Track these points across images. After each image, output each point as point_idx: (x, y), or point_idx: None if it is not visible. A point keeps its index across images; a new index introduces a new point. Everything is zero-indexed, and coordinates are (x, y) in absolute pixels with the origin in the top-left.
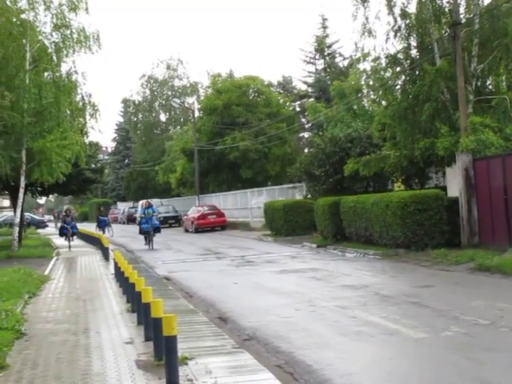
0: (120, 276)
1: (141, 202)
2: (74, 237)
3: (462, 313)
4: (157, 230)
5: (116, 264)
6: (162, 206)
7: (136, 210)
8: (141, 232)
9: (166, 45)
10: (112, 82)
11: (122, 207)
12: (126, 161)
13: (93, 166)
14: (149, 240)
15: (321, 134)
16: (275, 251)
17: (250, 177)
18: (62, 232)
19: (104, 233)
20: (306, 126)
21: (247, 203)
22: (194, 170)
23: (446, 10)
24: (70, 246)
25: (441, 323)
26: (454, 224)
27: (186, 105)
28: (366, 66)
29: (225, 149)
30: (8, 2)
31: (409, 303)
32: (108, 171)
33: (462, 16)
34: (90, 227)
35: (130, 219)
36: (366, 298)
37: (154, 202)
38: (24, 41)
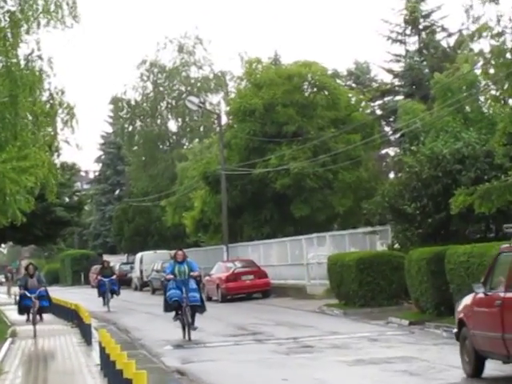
0: (109, 368)
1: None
2: (44, 315)
3: None
4: (197, 308)
5: (103, 349)
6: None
7: (131, 268)
8: (167, 307)
9: (177, 19)
10: (97, 74)
11: (111, 263)
12: (117, 192)
13: (67, 199)
14: (185, 324)
15: (415, 149)
16: (345, 331)
17: (305, 215)
18: (22, 306)
19: (108, 303)
20: (393, 139)
21: (302, 257)
22: (220, 205)
23: None
24: (35, 332)
25: None
26: None
27: (209, 106)
28: (483, 45)
29: (267, 173)
30: None
31: None
32: (90, 208)
33: None
34: (64, 292)
35: (123, 281)
36: None
37: (159, 255)
38: None
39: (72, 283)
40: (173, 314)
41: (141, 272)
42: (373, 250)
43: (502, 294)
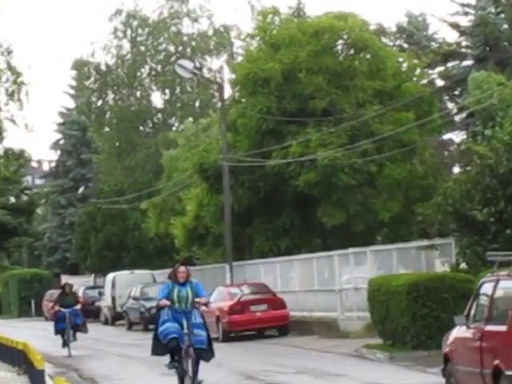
0: None
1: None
2: None
3: None
4: (203, 353)
5: None
6: (157, 285)
7: (100, 293)
8: (159, 348)
9: None
10: (55, 29)
11: (74, 287)
12: (81, 190)
13: (12, 199)
14: (186, 374)
15: (489, 134)
16: (392, 382)
17: (338, 224)
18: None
19: (69, 343)
20: (458, 119)
21: (333, 280)
22: (221, 209)
23: None
24: None
25: None
26: None
27: (206, 73)
28: None
29: (286, 166)
30: None
31: None
32: (43, 211)
33: None
34: (8, 327)
35: (89, 311)
36: None
37: (138, 276)
38: None
39: (19, 314)
40: (163, 359)
41: (113, 299)
42: (430, 271)
43: (482, 327)
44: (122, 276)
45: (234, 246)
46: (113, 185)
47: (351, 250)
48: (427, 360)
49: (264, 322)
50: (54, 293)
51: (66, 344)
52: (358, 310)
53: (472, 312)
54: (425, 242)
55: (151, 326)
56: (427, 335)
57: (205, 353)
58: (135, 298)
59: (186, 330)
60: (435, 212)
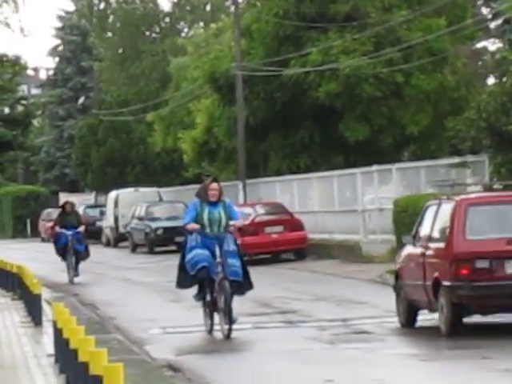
0: (68, 360)
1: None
2: None
3: None
4: (238, 286)
5: (58, 333)
6: (164, 204)
7: (102, 212)
8: (187, 279)
9: None
10: None
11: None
12: (81, 100)
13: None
14: (218, 310)
15: None
16: None
17: (362, 139)
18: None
19: (72, 270)
20: (493, 26)
21: (356, 200)
22: (234, 123)
23: None
24: None
25: None
26: None
27: None
28: None
29: (305, 75)
30: None
31: None
32: (40, 123)
33: None
34: (2, 248)
35: (89, 232)
36: None
37: (143, 194)
38: None
39: (13, 235)
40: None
41: (115, 219)
42: (462, 190)
43: (425, 245)
44: (125, 194)
45: (247, 163)
46: (116, 95)
47: (375, 167)
48: None
49: (280, 245)
50: (51, 212)
51: (70, 271)
52: (382, 233)
53: (418, 232)
54: (456, 160)
55: (157, 249)
56: None
57: (241, 286)
58: (140, 218)
59: (218, 259)
60: (467, 127)
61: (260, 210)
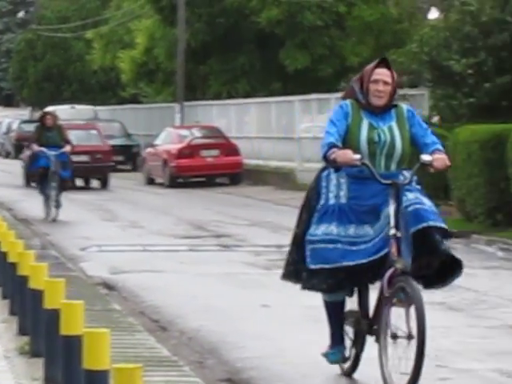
0: (5, 274)
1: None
2: None
3: None
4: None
5: None
6: (100, 124)
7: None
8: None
9: None
10: None
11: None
12: (20, 14)
13: None
14: None
15: None
16: None
17: (302, 67)
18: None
19: (53, 199)
20: None
21: (292, 128)
22: (174, 44)
23: None
24: None
25: None
26: None
27: None
28: None
29: (247, 1)
30: None
31: None
32: None
33: None
34: None
35: (23, 147)
36: None
37: (79, 111)
38: None
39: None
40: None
41: None
42: None
43: None
44: (61, 111)
45: (186, 85)
46: (56, 10)
47: (314, 95)
48: None
49: (215, 169)
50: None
51: (49, 207)
52: (317, 161)
53: None
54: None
55: None
56: None
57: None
58: None
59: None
60: (409, 60)
61: (196, 132)
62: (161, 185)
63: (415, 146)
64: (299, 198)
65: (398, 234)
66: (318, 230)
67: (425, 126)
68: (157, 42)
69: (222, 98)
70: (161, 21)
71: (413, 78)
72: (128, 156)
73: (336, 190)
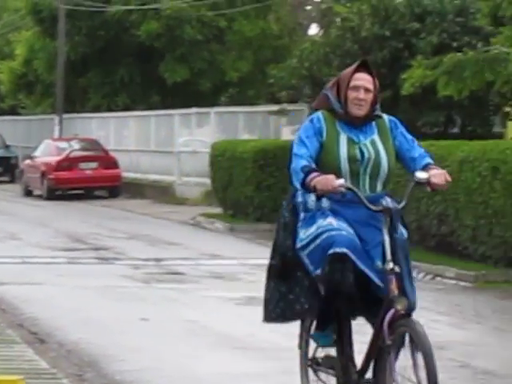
0: None
1: None
2: None
3: None
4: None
5: None
6: None
7: None
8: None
9: None
10: None
11: None
12: None
13: None
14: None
15: None
16: (231, 254)
17: (181, 81)
18: None
19: None
20: None
21: (172, 141)
22: (54, 57)
23: None
24: None
25: None
26: None
27: None
28: None
29: (128, 14)
30: None
31: None
32: None
33: None
34: None
35: None
36: (450, 373)
37: None
38: None
39: None
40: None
41: None
42: (279, 138)
43: None
44: None
45: (65, 98)
46: None
47: (194, 109)
48: (270, 235)
49: (93, 181)
50: None
51: None
52: (197, 176)
53: None
54: (276, 108)
55: None
56: (271, 207)
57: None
58: None
59: (390, 264)
60: (289, 75)
61: (75, 145)
62: (39, 197)
63: (400, 162)
64: (178, 211)
65: (397, 269)
66: (311, 229)
67: (410, 137)
68: (36, 53)
69: (101, 110)
70: (41, 32)
71: (293, 93)
72: (6, 167)
73: (316, 207)
